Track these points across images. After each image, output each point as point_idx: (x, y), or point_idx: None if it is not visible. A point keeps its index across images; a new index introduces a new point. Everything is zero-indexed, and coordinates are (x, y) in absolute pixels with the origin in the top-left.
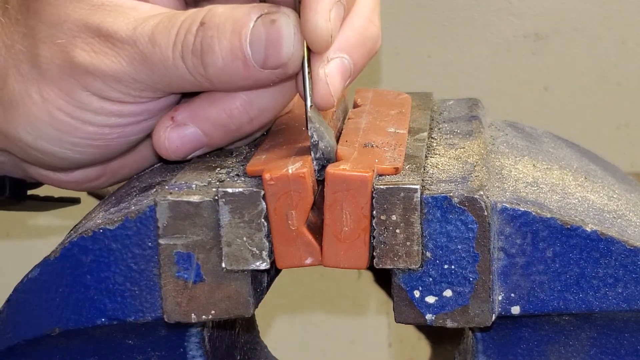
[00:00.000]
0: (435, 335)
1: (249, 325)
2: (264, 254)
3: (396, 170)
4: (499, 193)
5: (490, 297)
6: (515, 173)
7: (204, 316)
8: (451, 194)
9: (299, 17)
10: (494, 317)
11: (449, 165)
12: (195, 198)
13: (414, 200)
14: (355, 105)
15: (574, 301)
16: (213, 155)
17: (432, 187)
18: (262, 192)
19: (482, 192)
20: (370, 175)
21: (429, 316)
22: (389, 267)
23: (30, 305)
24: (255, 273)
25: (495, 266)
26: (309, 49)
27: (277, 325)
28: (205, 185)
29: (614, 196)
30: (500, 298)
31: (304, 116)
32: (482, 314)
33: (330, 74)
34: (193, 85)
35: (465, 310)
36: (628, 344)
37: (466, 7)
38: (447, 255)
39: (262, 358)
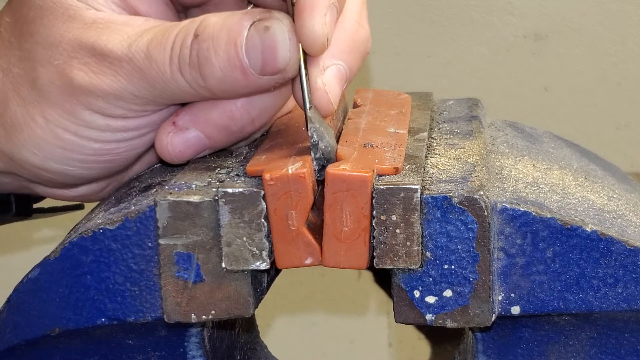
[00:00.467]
0: (435, 335)
1: (249, 325)
2: (264, 254)
3: (396, 170)
4: (499, 193)
5: (490, 297)
6: (515, 173)
7: (204, 316)
8: (451, 194)
9: (293, 20)
10: (494, 317)
11: (449, 165)
12: (195, 198)
13: (414, 200)
14: (355, 106)
15: (574, 301)
16: (213, 155)
17: (432, 187)
18: (262, 192)
19: (482, 192)
20: (370, 175)
21: (429, 316)
22: (389, 267)
23: (30, 305)
24: (255, 273)
25: (495, 266)
26: (304, 51)
27: (277, 325)
28: (205, 185)
29: (614, 196)
30: (500, 298)
31: (304, 116)
32: (482, 314)
33: (328, 82)
34: (194, 96)
35: (465, 310)
36: (628, 344)
37: (466, 7)
38: (447, 255)
39: (262, 358)
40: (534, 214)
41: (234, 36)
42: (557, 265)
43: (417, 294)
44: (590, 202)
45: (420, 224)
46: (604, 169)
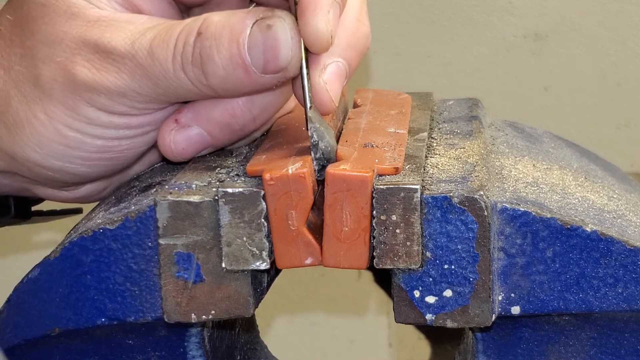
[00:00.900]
0: (435, 335)
1: (249, 325)
2: (264, 254)
3: (396, 170)
4: (499, 193)
5: (490, 297)
6: (515, 173)
7: (204, 316)
8: (451, 194)
9: (296, 19)
10: (494, 317)
11: (449, 165)
12: (195, 198)
13: (414, 200)
14: (355, 105)
15: (574, 301)
16: (213, 155)
17: (432, 187)
18: (262, 192)
19: (482, 192)
20: (370, 175)
21: (429, 316)
22: (389, 267)
23: (30, 305)
24: (255, 273)
25: (495, 266)
26: (306, 50)
27: (277, 325)
28: (205, 185)
29: (614, 196)
30: (500, 298)
31: (304, 116)
32: (482, 314)
33: (329, 80)
34: (196, 94)
35: (465, 310)
36: (628, 344)
37: (466, 7)
38: (447, 255)
39: (262, 358)
40: (534, 214)
41: (236, 34)
42: (557, 265)
43: (417, 294)
44: (590, 202)
45: (420, 224)
46: (604, 169)
